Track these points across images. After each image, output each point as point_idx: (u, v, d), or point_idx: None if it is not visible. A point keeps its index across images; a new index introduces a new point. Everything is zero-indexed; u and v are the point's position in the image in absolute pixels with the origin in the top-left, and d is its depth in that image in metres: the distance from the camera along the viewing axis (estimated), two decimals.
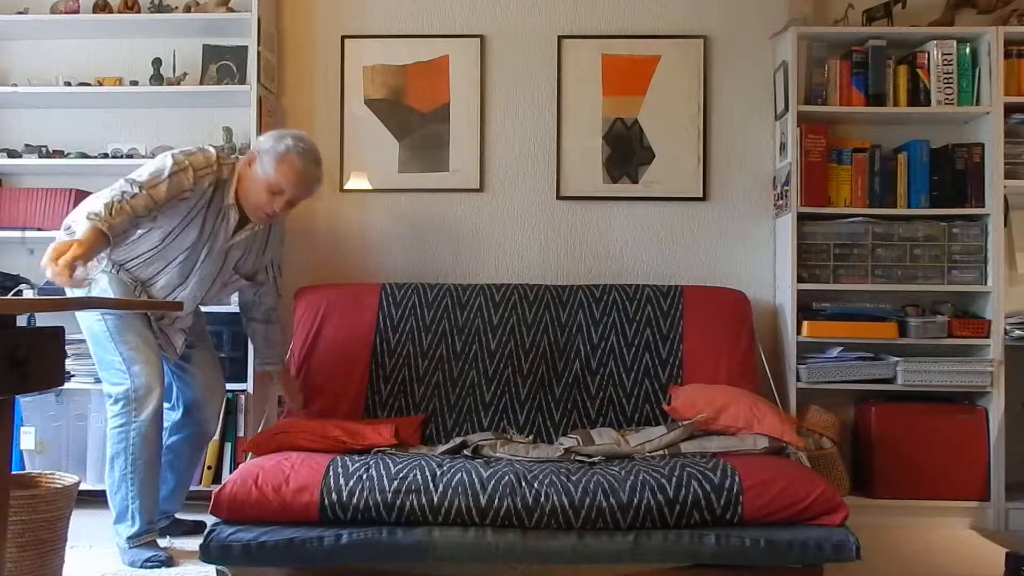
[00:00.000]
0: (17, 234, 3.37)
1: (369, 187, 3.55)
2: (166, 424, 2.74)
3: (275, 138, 2.64)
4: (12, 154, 3.42)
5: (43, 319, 3.02)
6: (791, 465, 2.44)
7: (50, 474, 2.59)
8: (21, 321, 1.53)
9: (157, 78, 3.43)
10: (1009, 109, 3.21)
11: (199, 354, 2.81)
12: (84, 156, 3.44)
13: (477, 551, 2.21)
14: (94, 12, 3.42)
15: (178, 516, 2.87)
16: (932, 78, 3.24)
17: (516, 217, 3.53)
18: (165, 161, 2.53)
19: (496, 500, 2.21)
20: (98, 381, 3.20)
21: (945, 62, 3.23)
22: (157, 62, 3.43)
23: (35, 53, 3.59)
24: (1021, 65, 3.23)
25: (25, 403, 3.21)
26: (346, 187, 3.55)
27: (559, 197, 3.51)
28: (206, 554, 2.22)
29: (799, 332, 3.22)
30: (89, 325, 2.60)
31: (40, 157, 3.41)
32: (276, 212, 2.64)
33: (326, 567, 2.27)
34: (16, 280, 3.36)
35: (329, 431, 2.60)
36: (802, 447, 2.61)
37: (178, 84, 3.43)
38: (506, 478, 2.26)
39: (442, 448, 2.65)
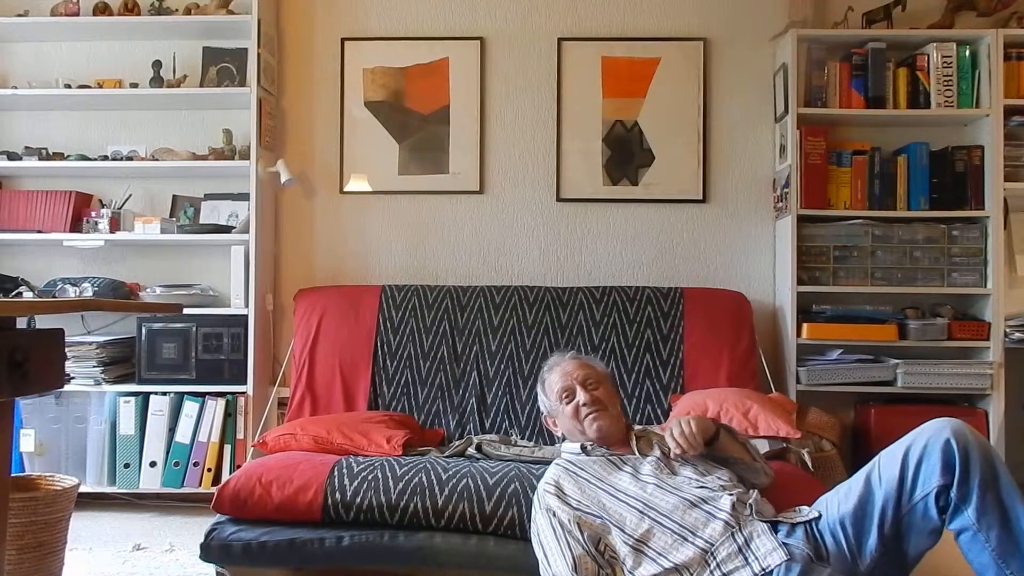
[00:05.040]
0: (17, 236, 3.38)
1: (369, 189, 3.55)
2: None
3: (540, 380, 2.29)
4: (12, 156, 3.41)
5: (43, 321, 3.01)
6: (793, 472, 2.43)
7: (50, 476, 2.59)
8: (21, 323, 1.53)
9: (157, 80, 3.42)
10: (1009, 111, 3.21)
11: None
12: (84, 158, 3.44)
13: (479, 560, 2.18)
14: (94, 14, 3.42)
15: None
16: (932, 80, 3.24)
17: (516, 219, 3.53)
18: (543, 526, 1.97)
19: (501, 508, 2.18)
20: (97, 384, 3.22)
21: (945, 64, 3.24)
22: (157, 64, 3.43)
23: (35, 55, 3.59)
24: (1021, 67, 3.24)
25: (25, 405, 3.20)
26: (346, 189, 3.55)
27: (559, 199, 3.51)
28: (207, 553, 2.21)
29: (799, 334, 3.22)
30: None
31: (40, 159, 3.41)
32: (588, 403, 2.11)
33: (326, 569, 2.26)
34: (16, 282, 3.36)
35: (335, 439, 2.57)
36: (802, 440, 2.59)
37: (178, 86, 3.43)
38: (512, 487, 2.23)
39: (449, 451, 2.64)
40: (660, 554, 1.84)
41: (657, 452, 2.06)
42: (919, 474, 1.71)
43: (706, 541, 1.82)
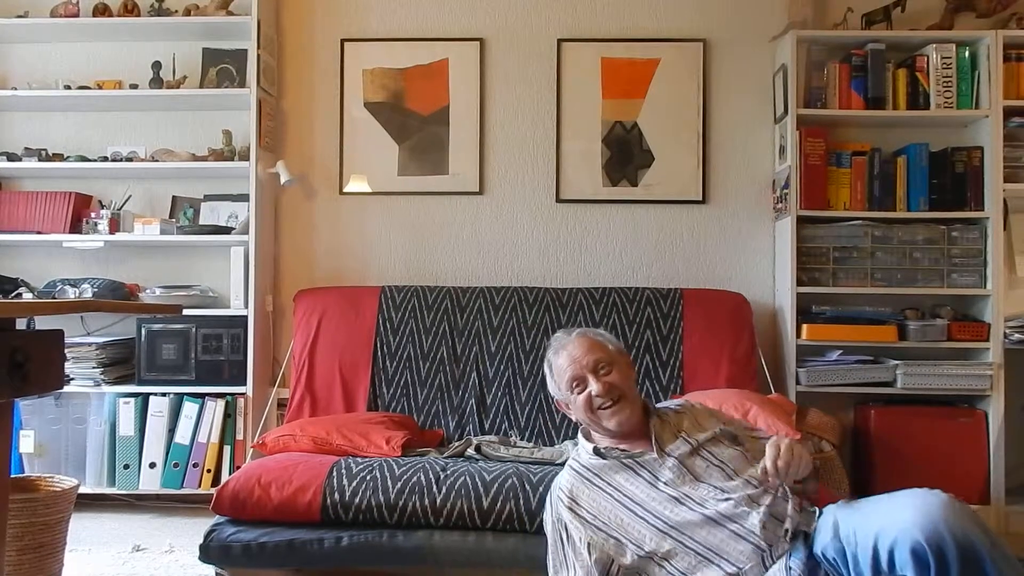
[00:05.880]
0: (16, 237, 3.37)
1: (369, 190, 3.55)
2: None
3: (547, 361, 2.08)
4: (12, 157, 3.41)
5: (43, 322, 3.01)
6: None
7: (49, 477, 2.59)
8: (21, 324, 1.53)
9: (157, 81, 3.42)
10: (1008, 112, 3.21)
11: None
12: (83, 159, 3.44)
13: (478, 556, 2.20)
14: (94, 16, 3.42)
15: None
16: (931, 81, 3.25)
17: (516, 220, 3.53)
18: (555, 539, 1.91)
19: (499, 503, 2.20)
20: (97, 384, 3.22)
21: (944, 66, 3.24)
22: (157, 65, 3.42)
23: (35, 56, 3.59)
24: (1020, 68, 3.23)
25: (25, 406, 3.20)
26: (346, 190, 3.55)
27: (559, 200, 3.51)
28: (206, 554, 2.22)
29: (799, 335, 3.21)
30: None
31: (40, 160, 3.41)
32: (601, 394, 1.93)
33: (326, 569, 2.27)
34: (15, 283, 3.36)
35: (334, 440, 2.58)
36: (801, 441, 2.57)
37: (178, 87, 3.43)
38: (509, 482, 2.26)
39: (448, 452, 2.65)
40: (683, 573, 1.75)
41: (678, 447, 1.88)
42: (893, 562, 1.52)
43: (733, 565, 1.70)
